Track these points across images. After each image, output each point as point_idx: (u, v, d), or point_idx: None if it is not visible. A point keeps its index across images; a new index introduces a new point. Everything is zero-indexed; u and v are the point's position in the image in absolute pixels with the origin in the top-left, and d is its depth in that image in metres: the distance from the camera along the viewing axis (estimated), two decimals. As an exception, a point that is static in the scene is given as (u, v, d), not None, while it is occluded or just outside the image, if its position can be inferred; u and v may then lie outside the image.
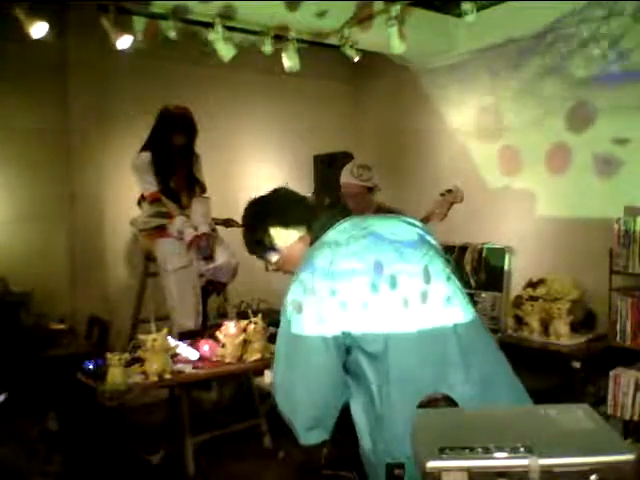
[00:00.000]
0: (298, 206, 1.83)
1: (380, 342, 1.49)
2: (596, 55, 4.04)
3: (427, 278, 1.55)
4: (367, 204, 3.50)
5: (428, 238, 1.69)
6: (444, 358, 1.50)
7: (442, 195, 3.27)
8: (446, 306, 1.55)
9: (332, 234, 1.65)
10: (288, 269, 1.76)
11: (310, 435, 1.58)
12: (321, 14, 4.08)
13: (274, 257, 1.79)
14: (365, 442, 1.60)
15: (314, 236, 1.72)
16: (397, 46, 4.09)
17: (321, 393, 1.54)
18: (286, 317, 1.56)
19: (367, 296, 1.50)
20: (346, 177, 3.44)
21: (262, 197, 1.90)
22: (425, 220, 3.12)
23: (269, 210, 1.82)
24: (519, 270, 4.46)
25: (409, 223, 1.71)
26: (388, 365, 1.49)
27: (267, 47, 4.11)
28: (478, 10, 3.96)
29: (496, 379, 1.54)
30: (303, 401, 1.54)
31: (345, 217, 1.71)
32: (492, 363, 1.58)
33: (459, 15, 4.51)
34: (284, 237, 1.76)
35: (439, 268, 1.60)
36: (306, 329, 1.51)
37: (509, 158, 4.67)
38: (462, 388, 1.45)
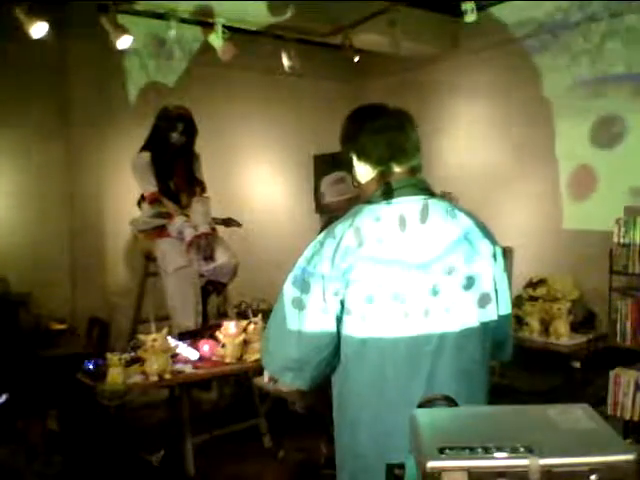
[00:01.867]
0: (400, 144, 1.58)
1: (355, 345, 1.49)
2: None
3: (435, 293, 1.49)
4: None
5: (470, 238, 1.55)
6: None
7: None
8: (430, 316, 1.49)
9: (372, 219, 1.51)
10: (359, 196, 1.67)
11: (286, 376, 1.60)
12: (321, 14, 4.09)
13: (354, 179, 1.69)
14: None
15: (371, 197, 1.56)
16: (397, 46, 4.09)
17: (308, 349, 1.53)
18: (298, 266, 1.56)
19: (365, 305, 1.48)
20: (327, 198, 3.41)
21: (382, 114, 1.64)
22: None
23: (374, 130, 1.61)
24: (519, 270, 4.46)
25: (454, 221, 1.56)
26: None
27: (267, 47, 4.12)
28: (479, 10, 3.96)
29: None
30: (289, 348, 1.55)
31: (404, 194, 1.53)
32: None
33: (460, 15, 4.52)
34: (360, 170, 1.63)
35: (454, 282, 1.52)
36: (313, 289, 1.50)
37: (510, 158, 4.68)
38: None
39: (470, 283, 1.51)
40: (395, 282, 1.47)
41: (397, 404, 1.46)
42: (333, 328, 1.51)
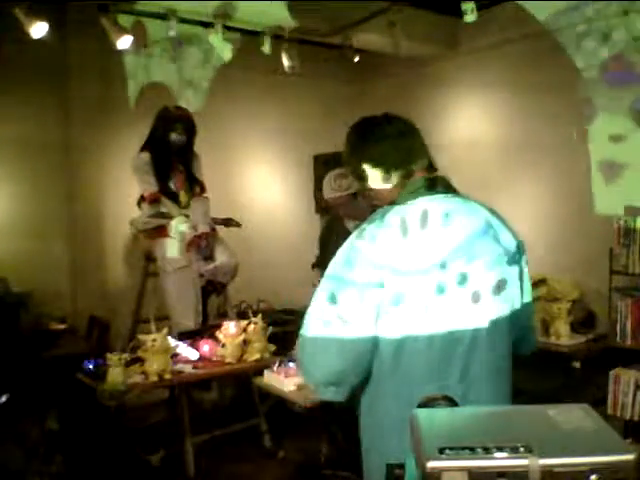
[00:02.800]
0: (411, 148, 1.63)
1: (390, 346, 1.50)
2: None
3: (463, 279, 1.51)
4: (357, 209, 3.51)
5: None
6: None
7: None
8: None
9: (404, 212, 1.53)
10: (374, 204, 1.69)
11: (327, 391, 1.57)
12: (321, 14, 4.09)
13: (359, 187, 1.73)
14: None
15: (397, 199, 1.58)
16: (397, 46, 4.09)
17: (351, 359, 1.52)
18: (332, 273, 1.57)
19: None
20: (327, 192, 3.45)
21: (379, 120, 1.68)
22: None
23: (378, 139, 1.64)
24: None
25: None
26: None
27: (267, 47, 4.11)
28: (479, 9, 3.95)
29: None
30: (331, 359, 1.52)
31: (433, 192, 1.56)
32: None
33: (460, 15, 4.51)
34: (376, 177, 1.64)
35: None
36: (351, 296, 1.49)
37: (511, 158, 4.68)
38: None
39: (496, 277, 1.53)
40: (428, 281, 1.48)
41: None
42: (373, 333, 1.50)
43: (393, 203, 1.58)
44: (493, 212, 1.61)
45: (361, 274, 1.50)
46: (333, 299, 1.52)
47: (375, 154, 1.63)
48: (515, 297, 1.59)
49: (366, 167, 1.64)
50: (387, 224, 1.52)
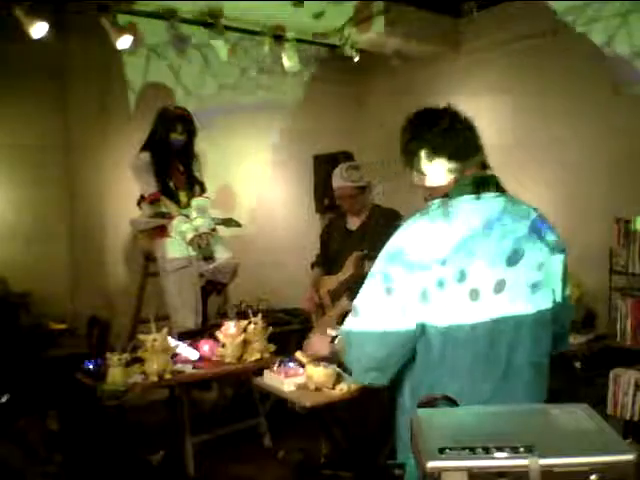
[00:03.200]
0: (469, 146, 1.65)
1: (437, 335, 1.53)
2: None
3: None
4: (362, 204, 3.53)
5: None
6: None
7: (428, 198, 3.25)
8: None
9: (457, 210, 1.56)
10: (428, 195, 1.69)
11: (368, 376, 1.62)
12: (321, 14, 4.08)
13: (415, 177, 1.71)
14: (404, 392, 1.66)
15: (451, 192, 1.61)
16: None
17: (392, 347, 1.56)
18: (385, 258, 1.60)
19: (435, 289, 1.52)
20: (337, 181, 3.49)
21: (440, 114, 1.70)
22: None
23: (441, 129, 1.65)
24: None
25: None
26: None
27: (266, 47, 4.12)
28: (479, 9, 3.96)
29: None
30: (374, 347, 1.57)
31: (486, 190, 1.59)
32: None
33: (460, 15, 4.53)
34: (431, 168, 1.64)
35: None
36: (401, 283, 1.53)
37: (512, 159, 4.67)
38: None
39: (541, 274, 1.58)
40: (477, 274, 1.51)
41: (469, 399, 1.48)
42: (418, 321, 1.53)
43: (445, 196, 1.60)
44: (537, 211, 1.67)
45: (410, 263, 1.53)
46: (383, 286, 1.55)
47: (436, 144, 1.63)
48: (557, 294, 1.65)
49: (424, 157, 1.65)
50: (437, 217, 1.56)
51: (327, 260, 3.71)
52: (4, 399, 3.04)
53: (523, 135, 4.58)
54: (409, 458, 1.57)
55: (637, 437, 3.44)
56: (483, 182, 1.61)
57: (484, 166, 1.67)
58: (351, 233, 3.58)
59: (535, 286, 1.57)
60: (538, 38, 4.37)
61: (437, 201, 1.61)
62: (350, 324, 1.63)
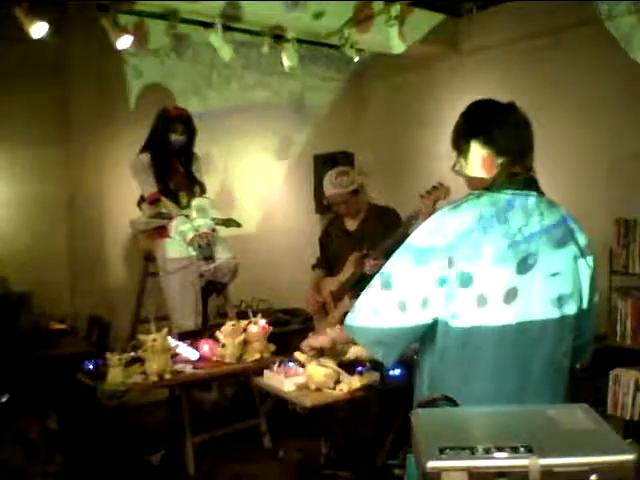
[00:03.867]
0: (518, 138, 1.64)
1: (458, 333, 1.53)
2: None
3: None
4: (357, 206, 3.54)
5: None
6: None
7: (428, 192, 3.25)
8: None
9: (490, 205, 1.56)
10: (467, 184, 1.70)
11: (376, 349, 1.63)
12: (321, 14, 4.08)
13: (458, 164, 1.72)
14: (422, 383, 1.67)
15: (492, 185, 1.61)
16: (397, 46, 4.09)
17: (401, 329, 1.57)
18: (414, 243, 1.59)
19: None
20: (328, 189, 3.49)
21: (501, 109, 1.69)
22: (413, 218, 3.14)
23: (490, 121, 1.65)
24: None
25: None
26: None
27: (266, 47, 4.12)
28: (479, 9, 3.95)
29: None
30: (383, 327, 1.58)
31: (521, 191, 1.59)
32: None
33: (460, 15, 4.52)
34: (480, 159, 1.64)
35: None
36: (423, 270, 1.53)
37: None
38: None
39: (570, 277, 1.58)
40: (504, 274, 1.51)
41: (487, 398, 1.49)
42: (436, 314, 1.54)
43: (486, 189, 1.60)
44: (570, 215, 1.67)
45: (439, 249, 1.53)
46: (408, 268, 1.55)
47: (489, 135, 1.63)
48: (584, 297, 1.64)
49: (474, 146, 1.64)
50: (468, 209, 1.55)
51: (327, 262, 3.71)
52: (4, 399, 3.03)
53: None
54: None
55: (637, 437, 3.43)
56: (523, 181, 1.60)
57: (529, 169, 1.65)
58: (350, 234, 3.59)
59: (562, 288, 1.57)
60: (538, 38, 4.37)
61: (475, 192, 1.60)
62: (370, 293, 1.63)
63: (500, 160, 1.61)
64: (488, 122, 1.65)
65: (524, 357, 1.53)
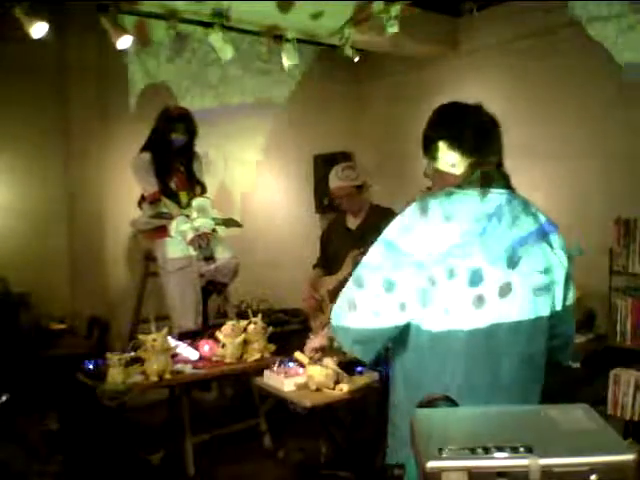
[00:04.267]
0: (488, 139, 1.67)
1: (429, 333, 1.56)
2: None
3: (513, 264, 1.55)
4: (360, 203, 3.54)
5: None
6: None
7: (428, 189, 3.25)
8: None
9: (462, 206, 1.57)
10: (438, 185, 1.70)
11: (355, 349, 1.67)
12: (321, 14, 4.08)
13: (428, 167, 1.73)
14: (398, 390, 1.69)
15: (462, 183, 1.61)
16: (397, 46, 4.09)
17: (381, 329, 1.59)
18: (386, 240, 1.62)
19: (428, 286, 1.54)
20: (333, 182, 3.51)
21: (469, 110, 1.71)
22: None
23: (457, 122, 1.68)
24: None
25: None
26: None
27: (266, 47, 4.11)
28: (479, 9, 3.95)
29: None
30: (364, 323, 1.60)
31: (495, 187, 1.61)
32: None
33: (460, 15, 4.52)
34: (447, 159, 1.65)
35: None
36: (398, 270, 1.55)
37: (511, 158, 4.67)
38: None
39: (543, 277, 1.58)
40: (476, 271, 1.51)
41: (460, 395, 1.47)
42: (411, 314, 1.56)
43: (458, 187, 1.61)
44: (545, 215, 1.67)
45: (412, 248, 1.54)
46: (381, 270, 1.58)
47: (456, 136, 1.64)
48: (558, 297, 1.64)
49: (442, 146, 1.66)
50: (448, 206, 1.56)
51: (327, 261, 3.71)
52: (4, 399, 3.03)
53: (522, 135, 4.57)
54: (409, 457, 1.59)
55: (637, 437, 3.44)
56: (491, 177, 1.61)
57: (499, 166, 1.67)
58: (350, 232, 3.59)
59: (535, 287, 1.56)
60: (538, 38, 4.37)
61: (445, 190, 1.61)
62: (347, 294, 1.66)
63: (469, 160, 1.63)
64: (455, 123, 1.67)
65: (495, 356, 1.54)
